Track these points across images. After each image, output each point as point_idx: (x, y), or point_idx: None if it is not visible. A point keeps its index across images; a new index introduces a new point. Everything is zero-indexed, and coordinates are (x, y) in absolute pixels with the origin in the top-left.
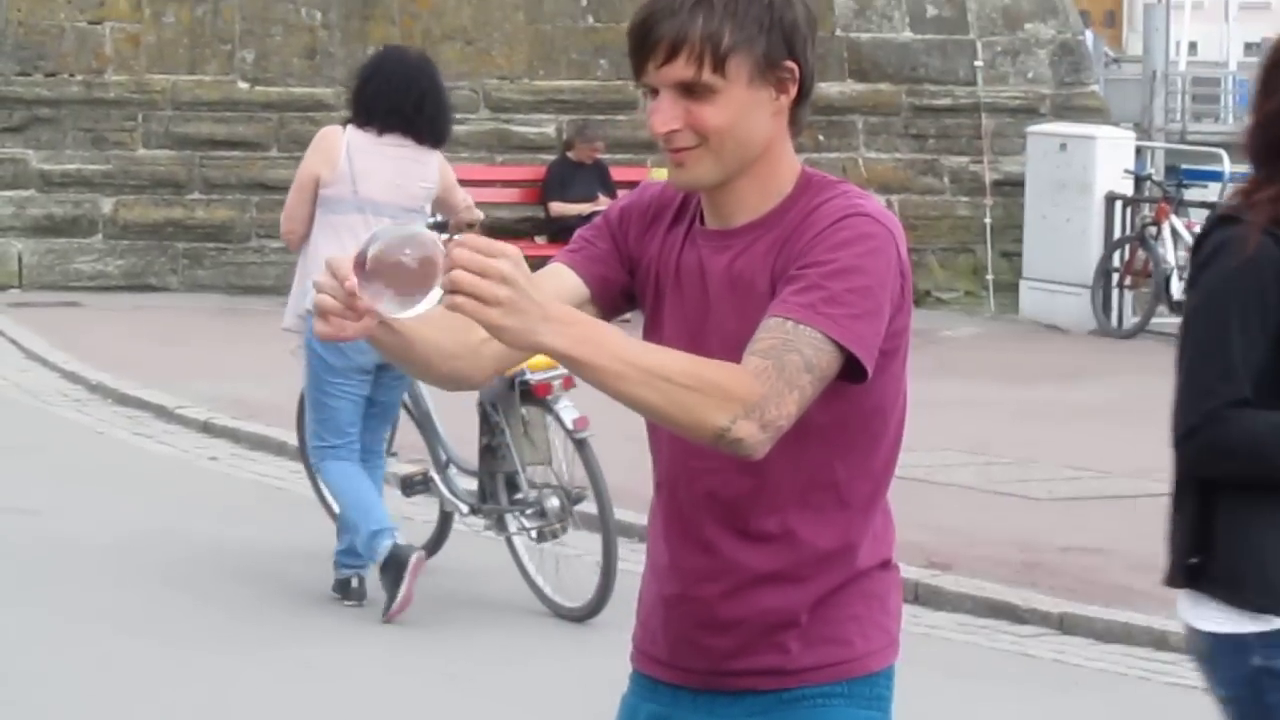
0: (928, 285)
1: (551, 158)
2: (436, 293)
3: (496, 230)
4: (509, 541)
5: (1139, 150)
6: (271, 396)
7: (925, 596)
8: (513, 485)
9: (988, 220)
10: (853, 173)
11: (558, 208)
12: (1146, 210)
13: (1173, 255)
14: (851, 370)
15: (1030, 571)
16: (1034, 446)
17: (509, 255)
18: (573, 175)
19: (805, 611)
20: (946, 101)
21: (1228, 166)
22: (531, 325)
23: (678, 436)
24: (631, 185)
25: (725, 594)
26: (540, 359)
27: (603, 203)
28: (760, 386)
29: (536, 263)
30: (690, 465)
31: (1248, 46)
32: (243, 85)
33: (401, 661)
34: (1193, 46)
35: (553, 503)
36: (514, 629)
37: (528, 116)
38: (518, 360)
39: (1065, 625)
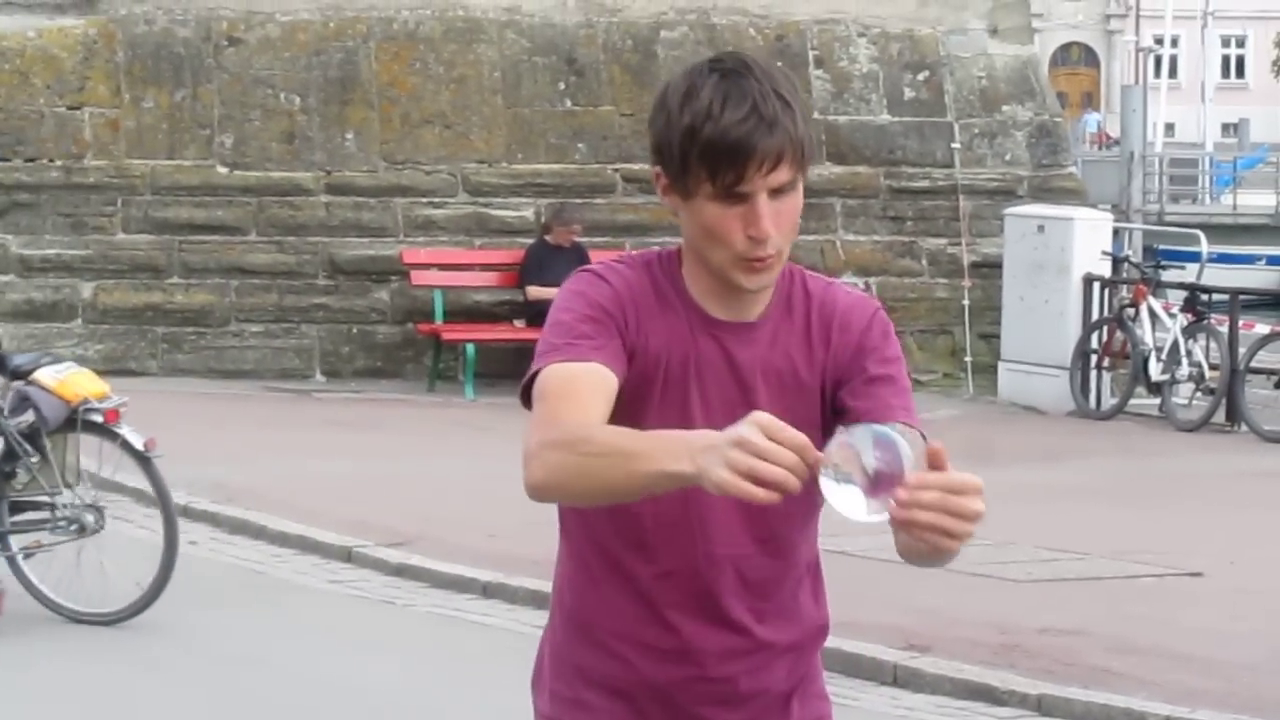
0: (906, 367)
1: (529, 241)
2: (884, 511)
3: (474, 314)
4: (11, 561)
5: (1116, 231)
6: (250, 481)
7: (904, 679)
8: (16, 508)
9: (965, 302)
10: (830, 255)
11: (535, 291)
12: (1124, 291)
13: (1150, 336)
14: None
15: (1008, 653)
16: (1012, 528)
17: (979, 489)
18: (551, 258)
19: (805, 675)
20: (924, 183)
21: (1205, 247)
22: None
23: (703, 526)
24: None
25: (751, 670)
26: (100, 388)
27: None
28: None
29: (515, 346)
30: (716, 553)
31: (1225, 127)
32: (222, 170)
33: None
34: (1170, 128)
35: (88, 518)
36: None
37: (506, 200)
38: None
39: (1044, 707)
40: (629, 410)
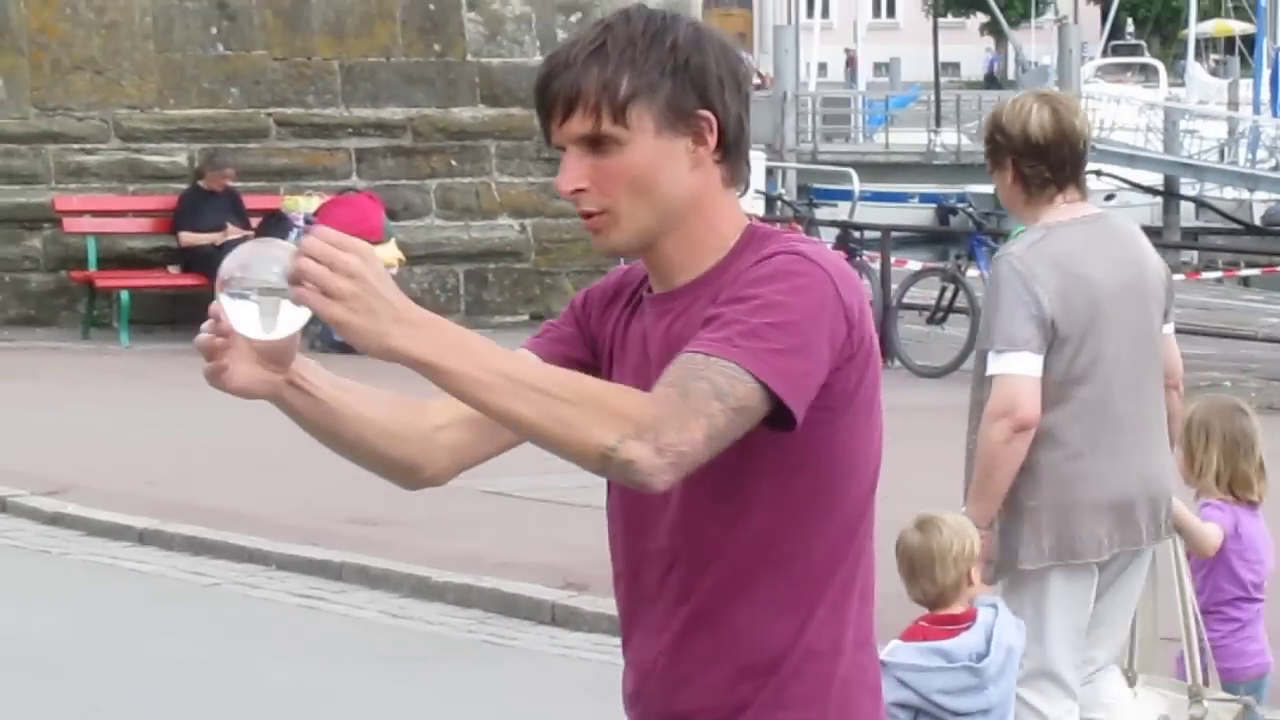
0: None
1: (183, 186)
2: (301, 311)
3: (128, 261)
4: None
5: (770, 170)
6: None
7: (562, 618)
8: None
9: None
10: (485, 197)
11: (189, 237)
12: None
13: None
14: (783, 416)
15: None
16: None
17: (359, 250)
18: (205, 204)
19: (761, 697)
20: None
21: (857, 185)
22: (382, 326)
23: (639, 518)
24: (264, 213)
25: (680, 685)
26: None
27: (234, 232)
28: (656, 408)
29: (170, 293)
30: (649, 549)
31: (876, 67)
32: None
33: None
34: (823, 68)
35: None
36: None
37: (159, 145)
38: (479, 454)
39: None
40: None
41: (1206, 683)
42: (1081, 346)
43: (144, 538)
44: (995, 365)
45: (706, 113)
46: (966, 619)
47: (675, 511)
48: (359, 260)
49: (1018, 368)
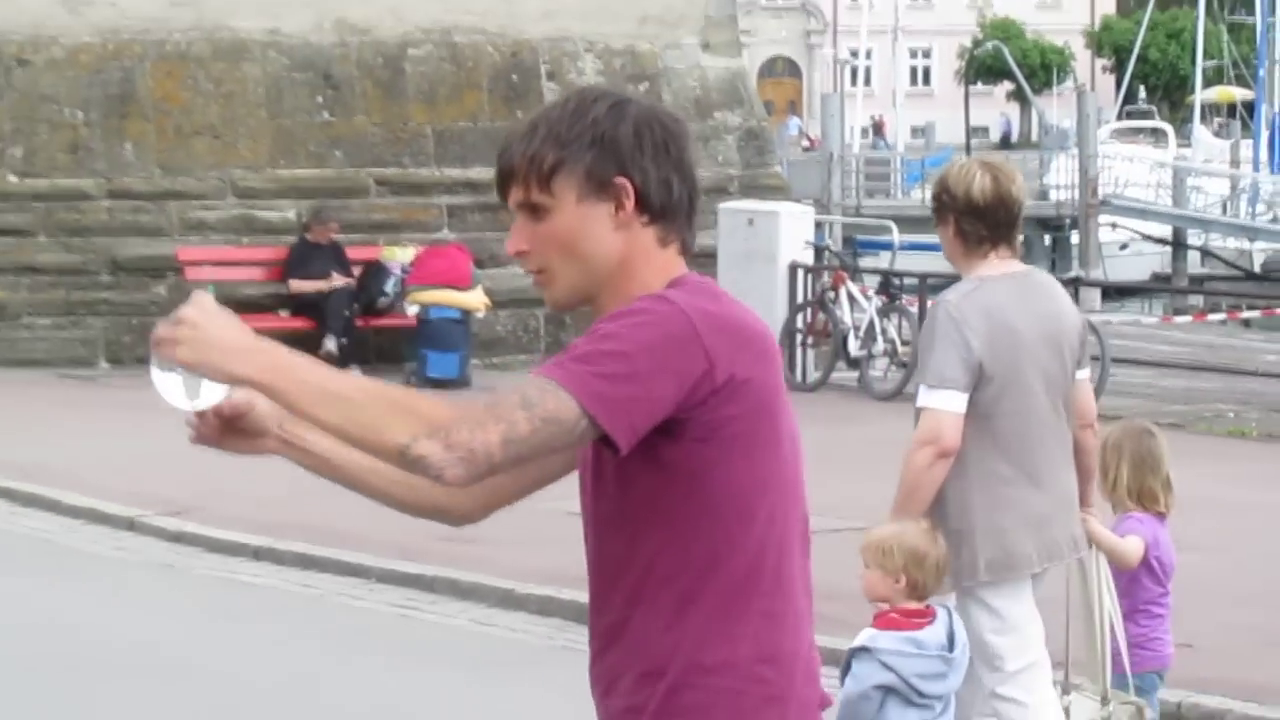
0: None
1: (292, 239)
2: (219, 386)
3: (243, 306)
4: None
5: (818, 224)
6: (43, 458)
7: None
8: None
9: None
10: None
11: (297, 285)
12: (825, 277)
13: (849, 317)
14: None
15: None
16: None
17: (197, 304)
18: (311, 254)
19: (652, 704)
20: None
21: (897, 237)
22: (219, 358)
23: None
24: (365, 263)
25: (603, 689)
26: None
27: (337, 280)
28: (455, 413)
29: (281, 335)
30: (590, 552)
31: (913, 130)
32: (13, 179)
33: None
34: (865, 131)
35: None
36: None
37: (270, 202)
38: (507, 495)
39: None
40: None
41: (1126, 684)
42: (1005, 387)
43: (258, 554)
44: (925, 399)
45: (623, 180)
46: (930, 614)
47: (592, 535)
48: (193, 311)
49: (944, 403)
